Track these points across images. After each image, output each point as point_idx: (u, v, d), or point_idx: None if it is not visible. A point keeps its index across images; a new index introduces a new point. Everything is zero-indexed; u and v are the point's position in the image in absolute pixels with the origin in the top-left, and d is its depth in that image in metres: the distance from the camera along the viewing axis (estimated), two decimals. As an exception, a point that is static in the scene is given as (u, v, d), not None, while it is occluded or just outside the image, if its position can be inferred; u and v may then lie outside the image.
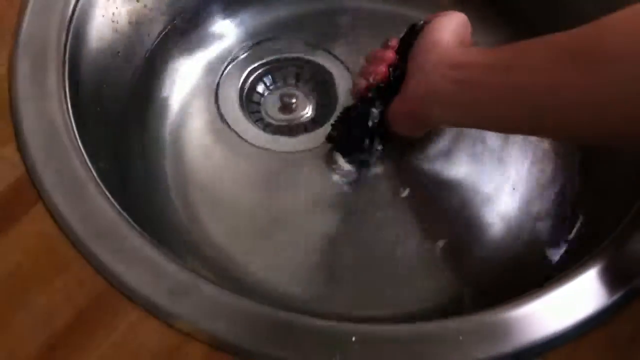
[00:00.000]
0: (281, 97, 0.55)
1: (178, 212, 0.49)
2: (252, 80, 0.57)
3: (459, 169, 0.51)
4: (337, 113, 0.52)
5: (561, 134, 0.44)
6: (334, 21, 0.60)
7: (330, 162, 0.51)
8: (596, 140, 0.43)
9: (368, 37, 0.58)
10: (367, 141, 0.49)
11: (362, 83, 0.50)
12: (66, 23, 0.45)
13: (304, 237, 0.49)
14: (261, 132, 0.53)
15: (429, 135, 0.52)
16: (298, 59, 0.57)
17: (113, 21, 0.50)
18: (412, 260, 0.47)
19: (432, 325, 0.36)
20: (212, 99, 0.55)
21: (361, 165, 0.51)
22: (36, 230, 0.37)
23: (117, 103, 0.50)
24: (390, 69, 0.49)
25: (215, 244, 0.48)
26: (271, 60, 0.57)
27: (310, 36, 0.58)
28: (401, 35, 0.50)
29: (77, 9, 0.45)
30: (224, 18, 0.59)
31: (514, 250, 0.48)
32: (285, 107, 0.55)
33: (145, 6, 0.53)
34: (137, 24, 0.52)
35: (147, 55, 0.54)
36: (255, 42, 0.58)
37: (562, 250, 0.47)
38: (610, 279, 0.36)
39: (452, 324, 0.35)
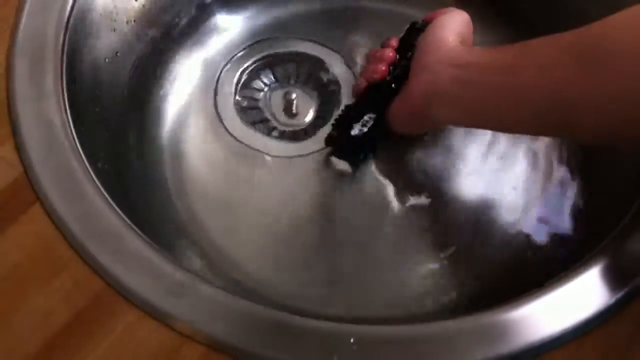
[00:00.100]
0: (282, 98, 0.55)
1: (176, 212, 0.49)
2: (252, 80, 0.56)
3: (459, 169, 0.51)
4: (337, 113, 0.52)
5: (564, 133, 0.44)
6: (334, 20, 0.60)
7: (329, 163, 0.51)
8: (598, 140, 0.43)
9: (368, 37, 0.58)
10: (366, 141, 0.49)
11: (363, 83, 0.50)
12: (64, 22, 0.44)
13: (304, 238, 0.49)
14: (259, 134, 0.53)
15: (430, 135, 0.52)
16: (298, 58, 0.57)
17: (111, 20, 0.50)
18: (411, 261, 0.47)
19: (431, 326, 0.36)
20: (211, 99, 0.55)
21: (361, 165, 0.51)
22: (34, 230, 0.37)
23: (115, 103, 0.50)
24: (391, 68, 0.49)
25: (214, 244, 0.48)
26: (271, 60, 0.57)
27: (310, 35, 0.58)
28: (401, 34, 0.50)
29: (75, 8, 0.45)
30: (223, 18, 0.59)
31: (514, 250, 0.48)
32: (287, 109, 0.55)
33: (143, 6, 0.53)
34: (136, 23, 0.52)
35: (145, 55, 0.53)
36: (255, 42, 0.58)
37: (562, 250, 0.47)
38: (611, 279, 0.36)
39: (452, 325, 0.35)
